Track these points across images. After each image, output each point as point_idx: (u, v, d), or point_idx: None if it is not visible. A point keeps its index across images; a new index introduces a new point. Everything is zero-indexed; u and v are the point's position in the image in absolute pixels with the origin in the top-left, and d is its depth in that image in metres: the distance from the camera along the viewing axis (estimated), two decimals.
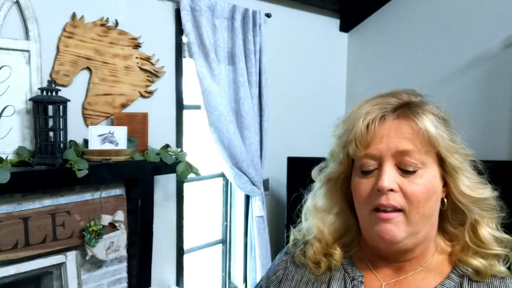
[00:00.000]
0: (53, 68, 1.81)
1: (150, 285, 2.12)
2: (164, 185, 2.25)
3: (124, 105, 2.05)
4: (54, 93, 1.70)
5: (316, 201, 0.82)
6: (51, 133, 1.71)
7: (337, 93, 3.28)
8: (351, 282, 0.76)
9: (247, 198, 2.67)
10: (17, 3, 1.69)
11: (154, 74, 2.15)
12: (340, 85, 3.33)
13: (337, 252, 0.78)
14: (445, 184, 0.73)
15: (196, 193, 2.60)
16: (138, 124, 2.01)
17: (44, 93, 1.69)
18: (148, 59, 2.11)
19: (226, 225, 2.78)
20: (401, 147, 0.69)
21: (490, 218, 0.74)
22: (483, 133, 2.63)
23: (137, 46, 2.07)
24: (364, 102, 0.75)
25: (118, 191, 1.99)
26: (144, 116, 2.04)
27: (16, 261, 1.67)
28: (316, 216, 0.81)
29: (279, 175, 2.79)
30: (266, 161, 2.65)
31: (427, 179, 0.69)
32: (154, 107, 2.15)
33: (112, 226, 1.93)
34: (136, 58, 2.06)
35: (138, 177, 1.98)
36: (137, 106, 2.09)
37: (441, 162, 0.72)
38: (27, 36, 1.72)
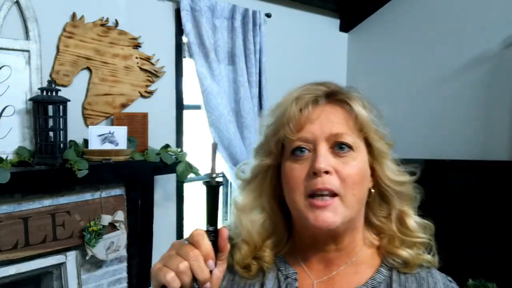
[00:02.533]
0: (53, 68, 1.81)
1: (150, 285, 2.12)
2: (164, 185, 2.25)
3: (124, 105, 2.05)
4: (54, 93, 1.70)
5: (243, 200, 0.77)
6: (51, 133, 1.71)
7: None
8: (285, 280, 0.74)
9: None
10: (17, 3, 1.69)
11: (154, 74, 2.15)
12: None
13: (267, 254, 0.75)
14: (372, 174, 0.74)
15: (196, 193, 2.60)
16: (138, 124, 2.01)
17: (44, 93, 1.69)
18: (148, 59, 2.11)
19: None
20: (335, 130, 0.69)
21: (410, 205, 0.75)
22: (483, 133, 2.64)
23: (137, 46, 2.07)
24: (293, 90, 0.74)
25: (118, 191, 1.99)
26: (144, 116, 2.04)
27: (16, 261, 1.67)
28: (245, 217, 0.76)
29: None
30: None
31: (360, 162, 0.70)
32: (154, 107, 2.15)
33: (112, 226, 1.93)
34: (136, 58, 2.06)
35: (138, 177, 1.98)
36: (137, 106, 2.09)
37: (369, 148, 0.73)
38: (27, 36, 1.72)
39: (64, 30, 1.83)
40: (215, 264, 0.60)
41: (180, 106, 2.30)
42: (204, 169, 2.05)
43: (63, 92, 1.77)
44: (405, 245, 0.73)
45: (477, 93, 2.68)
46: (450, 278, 0.74)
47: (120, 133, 1.88)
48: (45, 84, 1.72)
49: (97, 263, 1.94)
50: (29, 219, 1.69)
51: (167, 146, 2.10)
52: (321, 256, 0.74)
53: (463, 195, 2.51)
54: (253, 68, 2.48)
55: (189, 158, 2.07)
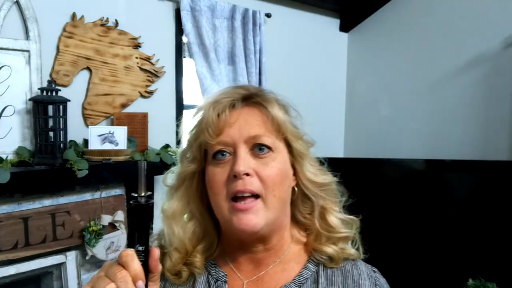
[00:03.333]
0: (53, 68, 1.81)
1: None
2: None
3: (124, 105, 2.05)
4: (54, 93, 1.71)
5: (172, 208, 0.77)
6: (51, 133, 1.71)
7: (337, 93, 3.28)
8: (215, 283, 0.75)
9: None
10: (17, 3, 1.69)
11: (154, 74, 2.15)
12: (340, 85, 3.33)
13: (198, 260, 0.76)
14: (294, 173, 0.75)
15: None
16: (138, 124, 2.01)
17: (44, 93, 1.69)
18: (148, 59, 2.11)
19: None
20: (253, 133, 0.70)
21: (334, 203, 0.77)
22: (483, 133, 2.63)
23: (137, 46, 2.07)
24: (213, 94, 0.76)
25: (118, 191, 1.99)
26: (144, 116, 2.04)
27: (16, 261, 1.67)
28: (176, 224, 0.76)
29: None
30: None
31: (280, 162, 0.71)
32: (154, 107, 2.15)
33: (112, 226, 1.93)
34: (136, 58, 2.06)
35: None
36: (137, 106, 2.09)
37: (289, 148, 0.74)
38: (27, 36, 1.72)
39: (64, 30, 1.83)
40: (146, 285, 0.58)
41: (180, 106, 2.31)
42: None
43: (63, 92, 1.77)
44: (330, 241, 0.75)
45: (477, 93, 2.68)
46: (375, 269, 0.77)
47: (120, 133, 1.88)
48: (45, 84, 1.73)
49: (97, 263, 1.94)
50: (29, 219, 1.69)
51: (167, 146, 2.10)
52: (250, 257, 0.75)
53: (463, 195, 2.51)
54: (253, 68, 2.48)
55: None
